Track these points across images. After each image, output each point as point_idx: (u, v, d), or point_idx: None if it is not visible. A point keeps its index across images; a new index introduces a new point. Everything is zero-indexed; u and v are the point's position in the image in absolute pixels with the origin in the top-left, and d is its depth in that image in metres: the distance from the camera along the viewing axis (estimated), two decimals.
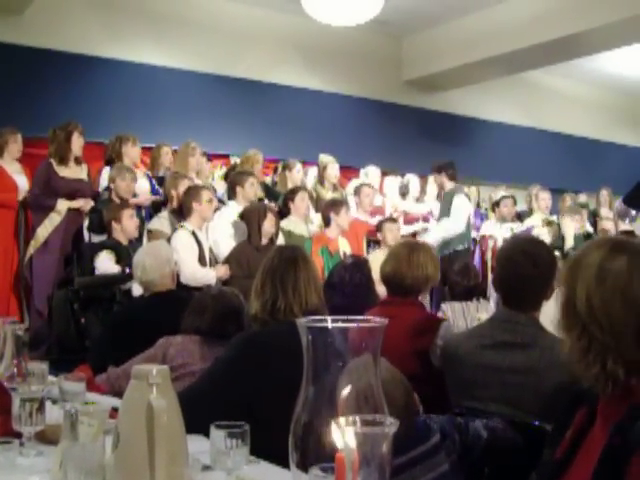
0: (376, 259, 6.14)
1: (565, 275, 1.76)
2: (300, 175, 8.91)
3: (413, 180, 9.81)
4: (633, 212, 9.50)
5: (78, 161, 7.39)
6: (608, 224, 9.95)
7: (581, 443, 1.78)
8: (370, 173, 9.76)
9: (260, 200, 7.79)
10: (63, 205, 7.10)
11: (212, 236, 7.21)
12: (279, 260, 3.06)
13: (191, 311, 3.81)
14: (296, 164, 8.89)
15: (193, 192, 6.87)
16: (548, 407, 2.58)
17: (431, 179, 9.96)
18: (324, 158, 9.11)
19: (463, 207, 8.69)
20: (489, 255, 9.34)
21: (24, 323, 6.71)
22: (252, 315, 3.06)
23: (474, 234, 9.59)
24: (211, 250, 7.16)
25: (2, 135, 7.46)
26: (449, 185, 8.90)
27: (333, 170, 9.10)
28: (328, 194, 8.83)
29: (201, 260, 6.71)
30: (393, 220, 8.40)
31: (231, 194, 7.64)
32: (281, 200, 8.17)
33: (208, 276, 6.48)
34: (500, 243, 8.84)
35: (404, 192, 9.81)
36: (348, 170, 10.23)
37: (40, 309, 7.03)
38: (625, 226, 9.26)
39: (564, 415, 1.87)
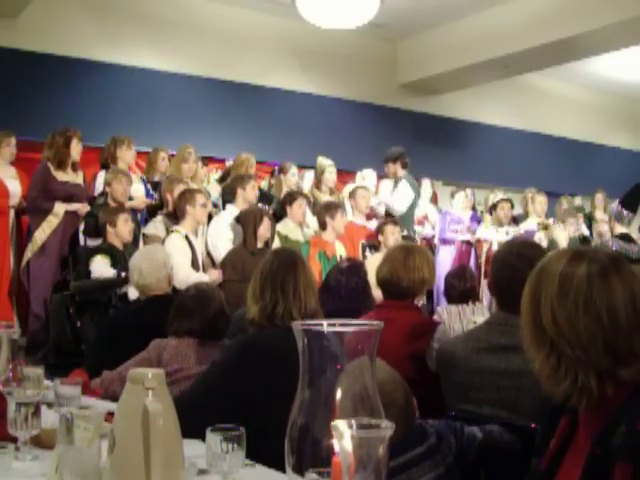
0: (375, 263, 6.12)
1: (529, 289, 1.76)
2: (295, 178, 8.88)
3: None
4: (627, 214, 9.50)
5: (75, 167, 7.38)
6: (604, 227, 9.96)
7: (565, 452, 1.78)
8: (367, 176, 9.74)
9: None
10: (61, 208, 7.08)
11: (211, 241, 7.22)
12: (279, 264, 3.05)
13: (176, 315, 3.81)
14: (291, 167, 8.86)
15: (187, 196, 6.88)
16: (544, 410, 2.58)
17: (427, 183, 9.97)
18: (322, 161, 9.07)
19: (406, 192, 8.87)
20: (483, 259, 9.35)
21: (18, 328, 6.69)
22: (249, 319, 3.05)
23: (469, 237, 9.59)
24: (209, 254, 7.17)
25: None
26: (401, 173, 9.00)
27: (331, 174, 9.07)
28: (325, 198, 8.80)
29: (193, 264, 6.72)
30: (395, 222, 8.37)
31: (230, 197, 7.63)
32: (276, 203, 8.17)
33: (201, 280, 6.47)
34: (495, 247, 8.84)
35: None
36: (344, 174, 10.23)
37: (39, 313, 7.01)
38: (621, 229, 9.25)
39: (549, 423, 1.87)
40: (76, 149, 7.32)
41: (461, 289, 6.09)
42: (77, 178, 7.40)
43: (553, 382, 1.68)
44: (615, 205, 9.30)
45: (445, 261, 9.25)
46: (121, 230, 6.71)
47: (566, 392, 1.66)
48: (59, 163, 7.19)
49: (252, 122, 10.47)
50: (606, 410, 1.64)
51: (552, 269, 1.71)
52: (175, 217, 6.99)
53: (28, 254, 7.12)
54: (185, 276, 6.37)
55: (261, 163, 9.49)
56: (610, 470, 1.54)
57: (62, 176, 7.21)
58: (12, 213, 7.41)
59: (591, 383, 1.62)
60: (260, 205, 7.87)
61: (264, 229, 6.98)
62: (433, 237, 9.66)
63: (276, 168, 9.28)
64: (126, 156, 7.79)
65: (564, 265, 1.70)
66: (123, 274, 6.26)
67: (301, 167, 9.37)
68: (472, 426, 2.52)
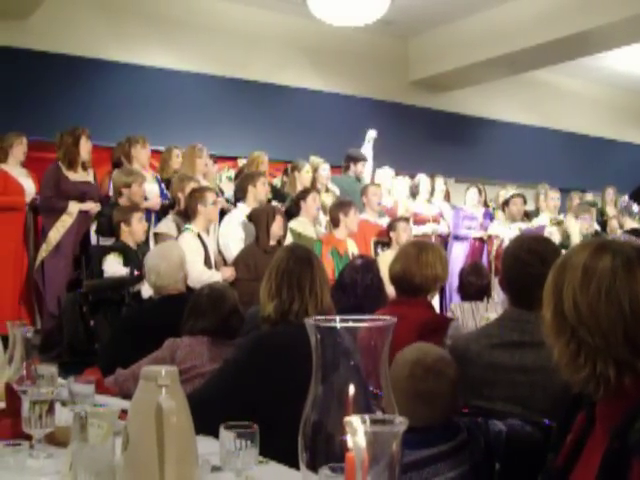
0: (386, 260, 6.12)
1: (552, 279, 1.75)
2: (309, 176, 8.88)
3: (423, 180, 9.75)
4: (635, 209, 9.48)
5: (85, 165, 7.39)
6: (615, 223, 9.93)
7: (582, 447, 1.77)
8: (383, 174, 9.74)
9: (268, 202, 7.79)
10: (75, 207, 7.11)
11: (223, 240, 7.21)
12: (295, 261, 3.05)
13: (191, 314, 3.82)
14: (305, 165, 8.87)
15: (197, 194, 6.88)
16: (558, 406, 2.57)
17: (439, 180, 9.94)
18: (315, 160, 9.08)
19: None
20: (493, 255, 9.32)
21: (35, 327, 6.73)
22: (264, 317, 3.05)
23: (482, 234, 9.57)
24: (220, 252, 7.17)
25: (7, 139, 7.48)
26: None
27: (325, 171, 9.04)
28: (322, 196, 8.76)
29: (206, 262, 6.72)
30: (406, 220, 8.34)
31: (241, 195, 7.63)
32: (290, 201, 8.16)
33: (214, 278, 6.47)
34: (507, 243, 8.80)
35: (414, 193, 9.77)
36: None
37: (53, 313, 7.03)
38: (632, 224, 9.22)
39: (565, 419, 1.87)
40: (85, 148, 7.33)
41: (478, 286, 6.09)
42: (88, 177, 7.42)
43: (572, 370, 1.68)
44: (624, 199, 9.29)
45: (458, 258, 9.22)
46: (135, 229, 6.72)
47: (584, 381, 1.66)
48: (69, 162, 7.21)
49: (264, 120, 10.48)
50: (624, 404, 1.63)
51: (576, 260, 1.71)
52: (186, 215, 6.98)
53: (42, 254, 7.14)
54: (198, 274, 6.38)
55: (273, 161, 9.48)
56: (628, 465, 1.54)
57: (73, 175, 7.23)
58: (29, 211, 7.43)
59: (609, 372, 1.62)
60: (275, 203, 7.87)
61: (277, 227, 6.97)
62: (448, 235, 9.62)
63: (289, 166, 9.27)
64: (141, 155, 7.79)
65: (588, 257, 1.70)
66: (136, 272, 6.28)
67: None
68: (494, 420, 2.52)
